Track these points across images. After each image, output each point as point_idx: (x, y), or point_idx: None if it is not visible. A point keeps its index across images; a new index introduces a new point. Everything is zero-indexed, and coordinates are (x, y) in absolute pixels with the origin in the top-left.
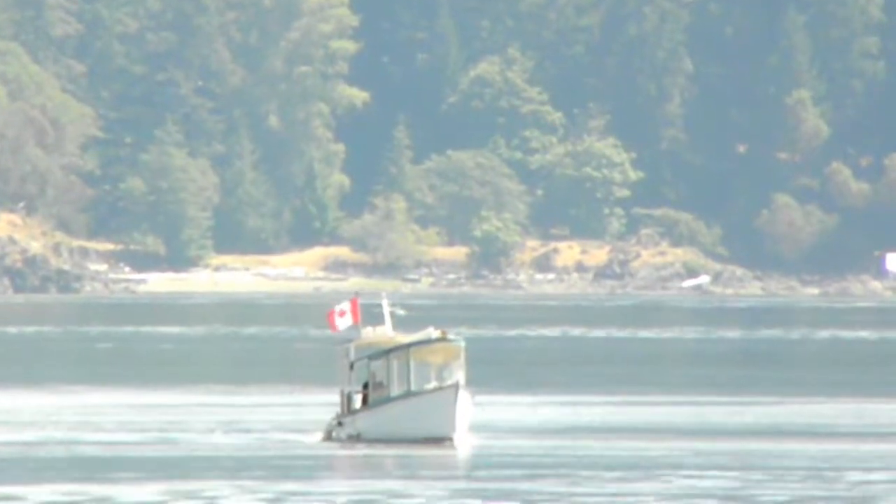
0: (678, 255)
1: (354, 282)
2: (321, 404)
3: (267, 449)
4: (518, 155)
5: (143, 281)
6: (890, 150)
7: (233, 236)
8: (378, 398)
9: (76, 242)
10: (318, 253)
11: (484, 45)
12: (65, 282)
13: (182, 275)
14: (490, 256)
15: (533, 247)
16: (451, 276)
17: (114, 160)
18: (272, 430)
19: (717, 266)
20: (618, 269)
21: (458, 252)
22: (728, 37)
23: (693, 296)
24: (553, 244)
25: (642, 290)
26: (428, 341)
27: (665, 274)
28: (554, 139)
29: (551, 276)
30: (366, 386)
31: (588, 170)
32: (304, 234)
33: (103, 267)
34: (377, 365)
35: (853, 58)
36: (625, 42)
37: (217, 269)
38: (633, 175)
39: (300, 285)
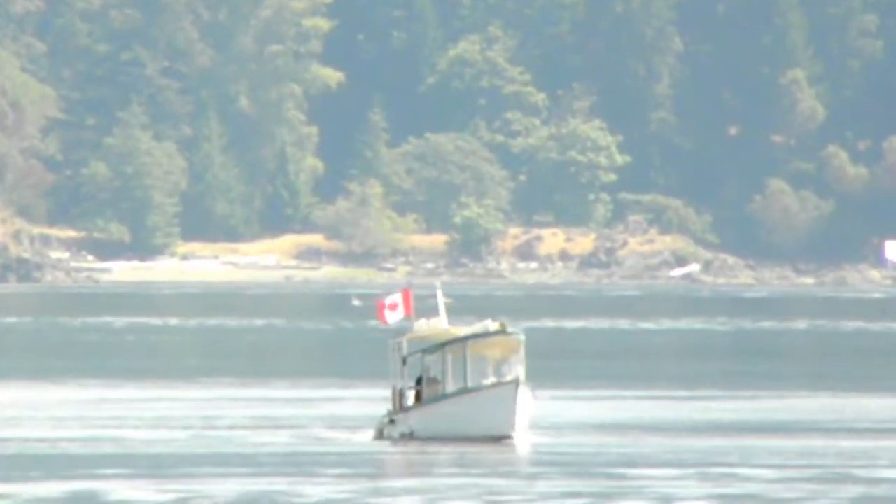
0: (667, 242)
1: (328, 271)
2: (362, 399)
3: (319, 448)
4: (499, 138)
5: (106, 270)
6: (889, 133)
7: (201, 223)
8: (432, 395)
9: (37, 229)
10: (290, 240)
11: (464, 23)
12: (25, 271)
13: (147, 263)
14: (470, 244)
15: (515, 234)
16: (430, 264)
17: (76, 143)
18: (317, 427)
19: (708, 254)
20: (604, 258)
21: (437, 240)
22: (719, 14)
23: (683, 285)
24: (536, 231)
25: (629, 279)
26: (486, 334)
27: (653, 263)
28: (537, 121)
29: (534, 264)
30: (419, 381)
31: (573, 153)
32: (275, 220)
33: (65, 255)
34: (431, 359)
35: (851, 36)
36: (611, 20)
37: (184, 257)
38: (620, 159)
39: (271, 274)
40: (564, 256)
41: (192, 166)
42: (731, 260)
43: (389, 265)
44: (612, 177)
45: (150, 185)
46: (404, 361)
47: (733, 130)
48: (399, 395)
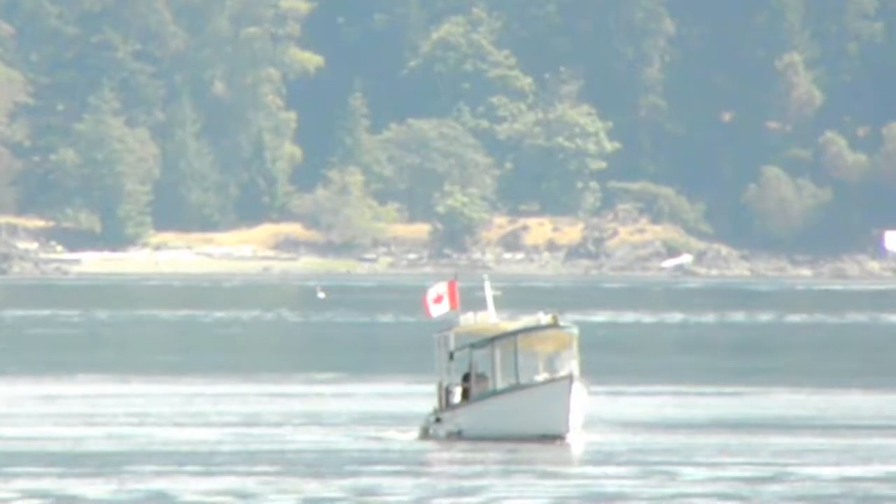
0: (658, 232)
1: (306, 261)
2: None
3: (364, 447)
4: (484, 124)
5: (76, 261)
6: (888, 118)
7: (174, 212)
8: (481, 392)
9: (3, 219)
10: (267, 230)
11: (447, 4)
12: None
13: (119, 254)
14: (454, 234)
15: (500, 224)
16: (412, 255)
17: (45, 129)
18: (359, 425)
19: (701, 245)
20: (592, 248)
21: (420, 230)
22: None
23: (674, 277)
24: (522, 221)
25: (619, 270)
26: (537, 328)
27: (644, 253)
28: (523, 106)
29: (520, 255)
30: (466, 378)
31: (560, 140)
32: (251, 209)
33: (33, 245)
34: (480, 355)
35: (849, 18)
36: (600, 1)
37: (157, 248)
38: (609, 146)
39: (247, 265)
40: (552, 247)
41: (165, 153)
42: (724, 251)
43: (370, 256)
44: (601, 164)
45: (122, 172)
46: (451, 357)
47: (727, 116)
48: (445, 393)
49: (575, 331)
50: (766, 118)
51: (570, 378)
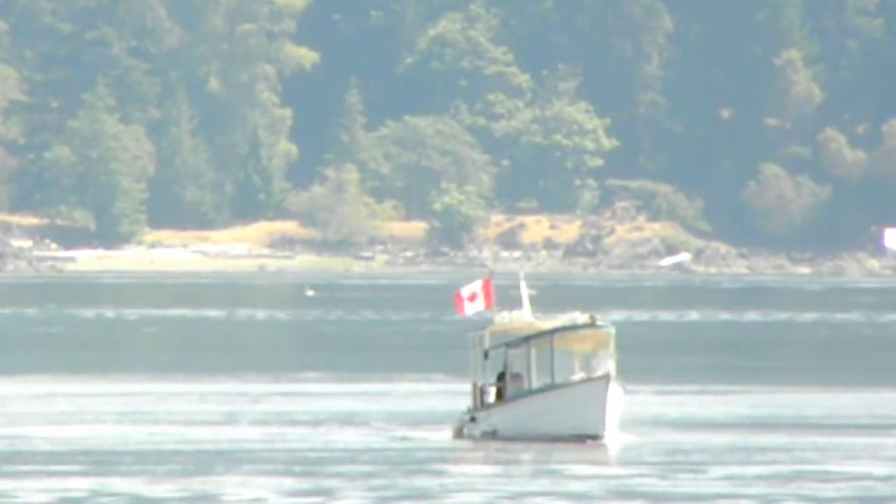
0: (656, 230)
1: (302, 259)
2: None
3: (398, 447)
4: (481, 121)
5: (71, 259)
6: (888, 115)
7: (169, 210)
8: (516, 391)
9: None
10: (263, 228)
11: (444, 1)
12: None
13: (114, 252)
14: (451, 232)
15: (498, 222)
16: (409, 253)
17: (39, 127)
18: (389, 425)
19: (699, 243)
20: (590, 246)
21: (416, 227)
22: None
23: (673, 275)
24: (519, 219)
25: (617, 268)
26: (574, 327)
27: (642, 251)
28: (520, 104)
29: (517, 253)
30: (500, 377)
31: (558, 137)
32: (247, 207)
33: (28, 243)
34: (515, 354)
35: (848, 14)
36: None
37: (152, 245)
38: (607, 143)
39: (243, 263)
40: (549, 244)
41: (160, 151)
42: (723, 248)
43: (367, 254)
44: (599, 162)
45: (117, 170)
46: (486, 356)
47: (726, 113)
48: (480, 392)
49: (612, 330)
50: (765, 115)
51: (606, 378)
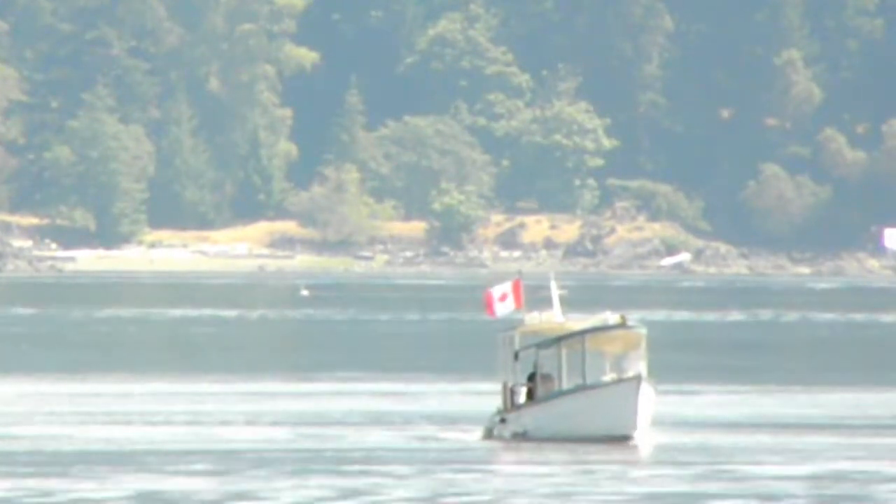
0: (656, 230)
1: (302, 259)
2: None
3: (434, 447)
4: (481, 121)
5: (71, 259)
6: (888, 115)
7: (169, 210)
8: (547, 392)
9: None
10: (263, 228)
11: (444, 1)
12: None
13: (114, 252)
14: (451, 232)
15: (498, 222)
16: (408, 253)
17: (39, 127)
18: (419, 426)
19: (699, 243)
20: (590, 246)
21: (416, 227)
22: None
23: (673, 275)
24: (519, 219)
25: (617, 268)
26: (605, 328)
27: (642, 251)
28: (520, 104)
29: (517, 253)
30: (531, 378)
31: (558, 137)
32: (247, 207)
33: (28, 243)
34: (546, 354)
35: (848, 14)
36: None
37: (152, 245)
38: (607, 143)
39: (243, 263)
40: (549, 244)
41: (160, 151)
42: (723, 248)
43: (367, 253)
44: (599, 161)
45: (117, 170)
46: (516, 357)
47: (726, 113)
48: (510, 393)
49: (643, 331)
50: (765, 115)
51: (638, 378)
